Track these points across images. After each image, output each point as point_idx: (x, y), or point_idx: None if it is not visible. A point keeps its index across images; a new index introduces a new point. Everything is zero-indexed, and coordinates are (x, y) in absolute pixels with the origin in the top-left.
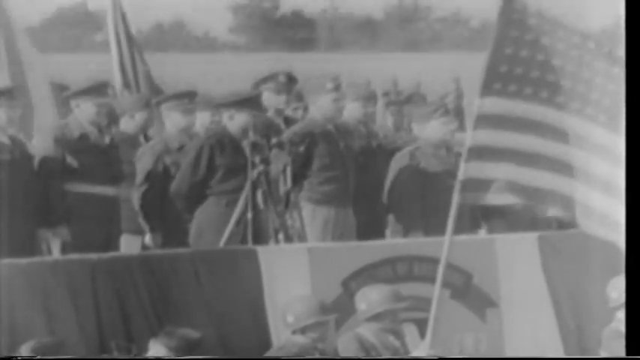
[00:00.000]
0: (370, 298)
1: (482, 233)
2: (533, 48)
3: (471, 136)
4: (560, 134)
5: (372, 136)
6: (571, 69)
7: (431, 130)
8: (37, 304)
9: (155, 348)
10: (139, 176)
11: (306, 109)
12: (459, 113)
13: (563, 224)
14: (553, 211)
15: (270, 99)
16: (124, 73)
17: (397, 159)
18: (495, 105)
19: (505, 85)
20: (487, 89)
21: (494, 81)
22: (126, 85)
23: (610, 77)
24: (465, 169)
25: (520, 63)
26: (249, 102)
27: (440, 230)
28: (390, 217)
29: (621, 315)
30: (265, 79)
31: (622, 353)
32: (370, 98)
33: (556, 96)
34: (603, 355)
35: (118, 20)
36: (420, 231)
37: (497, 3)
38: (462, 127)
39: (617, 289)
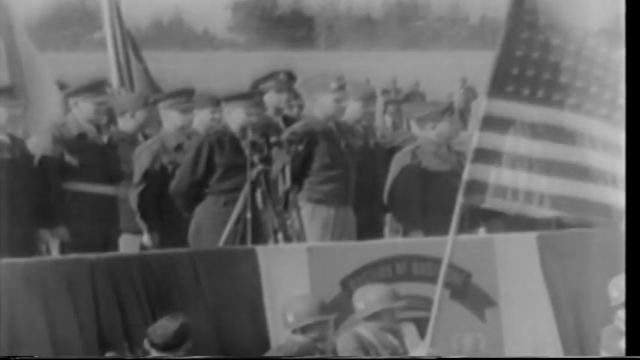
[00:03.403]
0: (368, 297)
1: (481, 233)
2: (544, 50)
3: (477, 137)
4: (571, 137)
5: (370, 135)
6: (583, 69)
7: (440, 130)
8: (36, 303)
9: (150, 349)
10: (137, 175)
11: (301, 106)
12: (465, 113)
13: (562, 224)
14: (553, 214)
15: (271, 98)
16: (121, 71)
17: (398, 158)
18: (507, 108)
19: (518, 88)
20: (497, 91)
21: (506, 83)
22: (122, 83)
23: (617, 75)
24: (470, 171)
25: (532, 65)
26: (251, 98)
27: (440, 229)
28: (388, 216)
29: (622, 314)
30: (265, 78)
31: (622, 353)
32: (371, 98)
33: (568, 98)
34: (604, 354)
35: (114, 18)
36: (420, 230)
37: (502, 2)
38: (465, 126)
39: (618, 288)
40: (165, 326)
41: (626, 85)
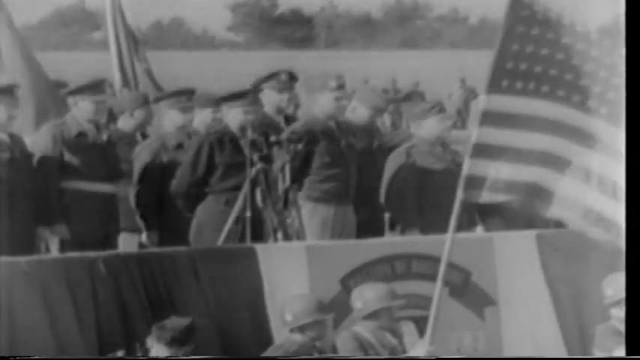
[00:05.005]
0: (366, 296)
1: (478, 231)
2: (538, 43)
3: (476, 133)
4: (567, 131)
5: (370, 136)
6: (576, 63)
7: (427, 127)
8: (36, 302)
9: (154, 346)
10: (136, 174)
11: (297, 106)
12: (464, 112)
13: (561, 222)
14: (553, 211)
15: (272, 97)
16: (124, 71)
17: (393, 157)
18: (502, 103)
19: (512, 82)
20: (494, 86)
21: (502, 78)
22: (125, 83)
23: (613, 71)
24: (469, 166)
25: (525, 59)
26: (247, 97)
27: (436, 228)
28: (387, 216)
29: (616, 312)
30: (267, 78)
31: (617, 351)
32: (380, 110)
33: (557, 90)
34: (597, 353)
35: (117, 18)
36: (417, 229)
37: (502, 2)
38: (464, 125)
39: (612, 285)
40: (175, 322)
41: (626, 85)
